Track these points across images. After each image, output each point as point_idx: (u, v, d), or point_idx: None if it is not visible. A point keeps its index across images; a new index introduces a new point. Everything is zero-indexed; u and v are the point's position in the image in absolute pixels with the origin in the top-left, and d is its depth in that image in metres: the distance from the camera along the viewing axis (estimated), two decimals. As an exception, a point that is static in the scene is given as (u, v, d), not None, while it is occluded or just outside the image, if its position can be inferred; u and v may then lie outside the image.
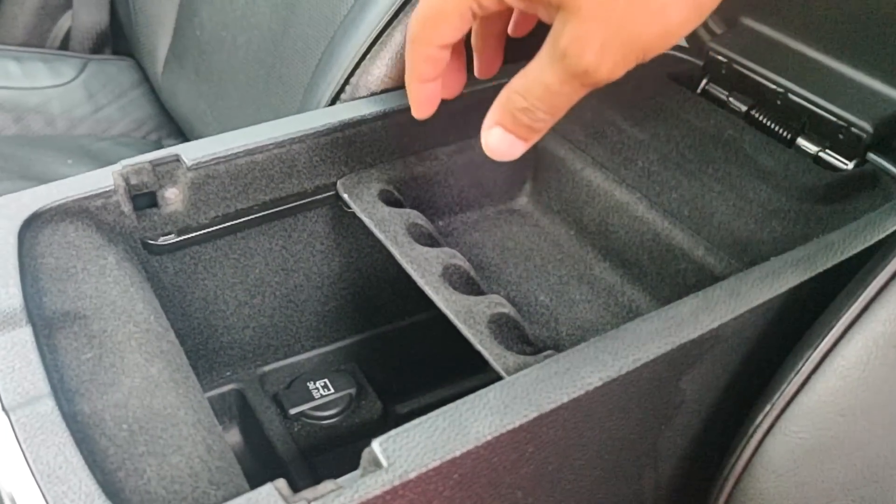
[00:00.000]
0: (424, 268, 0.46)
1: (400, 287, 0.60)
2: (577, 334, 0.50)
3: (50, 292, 0.41)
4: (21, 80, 1.01)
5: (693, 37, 0.63)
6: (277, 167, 0.50)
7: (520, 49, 0.43)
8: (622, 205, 0.53)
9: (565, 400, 0.35)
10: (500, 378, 0.37)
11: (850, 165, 0.52)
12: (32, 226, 0.44)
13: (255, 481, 0.34)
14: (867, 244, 0.43)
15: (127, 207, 0.47)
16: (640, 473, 0.43)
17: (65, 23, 1.12)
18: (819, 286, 0.42)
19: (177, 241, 0.50)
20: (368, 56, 0.58)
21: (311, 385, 0.56)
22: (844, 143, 0.52)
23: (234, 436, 0.57)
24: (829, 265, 0.42)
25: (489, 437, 0.33)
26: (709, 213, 0.49)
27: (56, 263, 0.43)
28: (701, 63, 0.61)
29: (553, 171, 0.57)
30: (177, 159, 0.48)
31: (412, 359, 0.63)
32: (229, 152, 0.49)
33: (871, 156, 0.52)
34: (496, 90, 0.56)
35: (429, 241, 0.50)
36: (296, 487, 0.32)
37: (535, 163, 0.58)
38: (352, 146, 0.52)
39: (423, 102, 0.42)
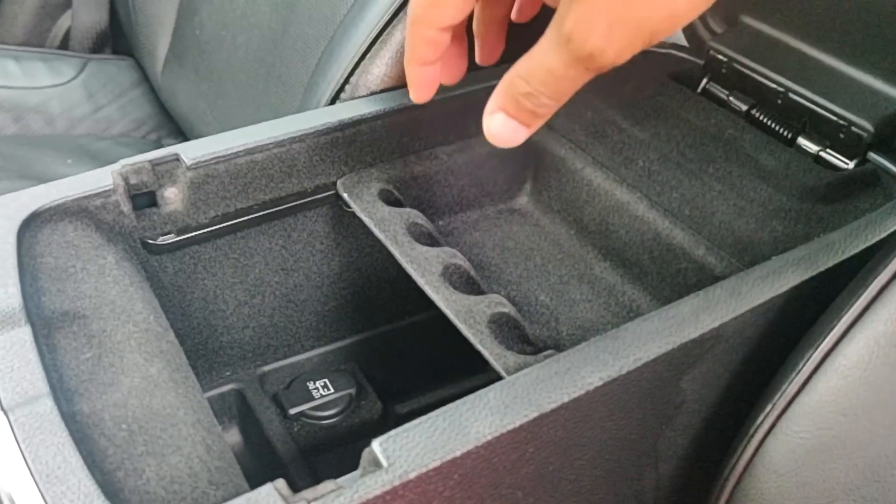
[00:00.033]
0: (424, 267, 0.46)
1: (400, 287, 0.59)
2: (578, 334, 0.50)
3: (49, 292, 0.41)
4: (21, 79, 1.01)
5: (693, 36, 0.63)
6: (277, 166, 0.50)
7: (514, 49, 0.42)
8: (623, 204, 0.53)
9: (566, 400, 0.35)
10: (500, 378, 0.37)
11: (851, 165, 0.52)
12: (32, 225, 0.44)
13: (254, 481, 0.34)
14: (868, 244, 0.43)
15: (126, 207, 0.47)
16: (641, 473, 0.43)
17: (64, 22, 1.12)
18: (820, 286, 0.42)
19: (176, 241, 0.50)
20: (368, 55, 0.58)
21: (310, 385, 0.56)
22: (845, 142, 0.52)
23: (233, 436, 0.57)
24: (829, 265, 0.42)
25: (489, 437, 0.33)
26: (709, 212, 0.49)
27: (55, 263, 0.43)
28: (701, 62, 0.61)
29: (553, 170, 0.57)
30: (176, 159, 0.48)
31: (412, 359, 0.63)
32: (229, 152, 0.48)
33: (872, 155, 0.52)
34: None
35: (429, 240, 0.50)
36: (295, 487, 0.32)
37: (536, 162, 0.58)
38: (352, 145, 0.52)
39: (421, 86, 0.42)
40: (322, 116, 0.52)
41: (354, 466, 0.33)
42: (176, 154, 0.48)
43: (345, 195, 0.51)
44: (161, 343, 0.41)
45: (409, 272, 0.46)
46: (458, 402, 0.35)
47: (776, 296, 0.40)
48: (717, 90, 0.59)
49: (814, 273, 0.41)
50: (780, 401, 0.41)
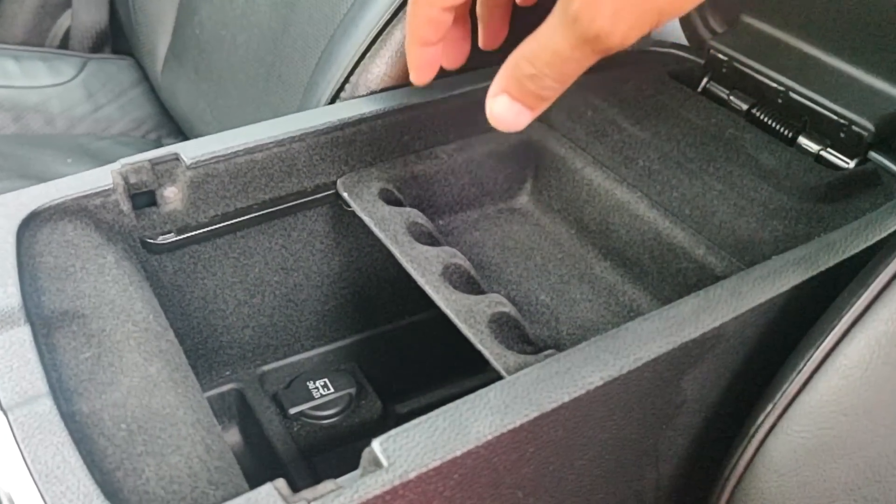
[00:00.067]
0: (425, 267, 0.46)
1: (400, 286, 0.59)
2: (578, 334, 0.50)
3: (48, 291, 0.41)
4: (20, 78, 1.01)
5: (694, 35, 0.63)
6: (277, 166, 0.50)
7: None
8: (623, 204, 0.53)
9: (566, 399, 0.35)
10: (500, 377, 0.37)
11: (852, 164, 0.52)
12: (31, 224, 0.44)
13: (254, 481, 0.33)
14: (869, 243, 0.43)
15: (126, 206, 0.47)
16: (642, 473, 0.43)
17: (64, 22, 1.12)
18: (821, 285, 0.42)
19: (176, 240, 0.49)
20: (368, 54, 0.58)
21: (310, 385, 0.56)
22: (846, 141, 0.52)
23: (233, 435, 0.57)
24: (830, 264, 0.42)
25: (490, 437, 0.33)
26: (710, 212, 0.49)
27: (55, 262, 0.43)
28: (702, 61, 0.61)
29: (554, 169, 0.57)
30: (176, 158, 0.47)
31: (412, 358, 0.63)
32: (229, 151, 0.48)
33: (873, 154, 0.52)
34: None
35: (429, 240, 0.49)
36: (295, 487, 0.32)
37: (536, 161, 0.58)
38: (352, 145, 0.52)
39: (422, 67, 0.41)
40: (322, 116, 0.52)
41: (354, 466, 0.33)
42: (176, 153, 0.48)
43: (345, 194, 0.51)
44: (160, 342, 0.41)
45: (409, 272, 0.46)
46: (459, 401, 0.34)
47: (777, 295, 0.40)
48: (718, 89, 0.59)
49: (814, 273, 0.41)
50: (781, 400, 0.41)
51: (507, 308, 0.44)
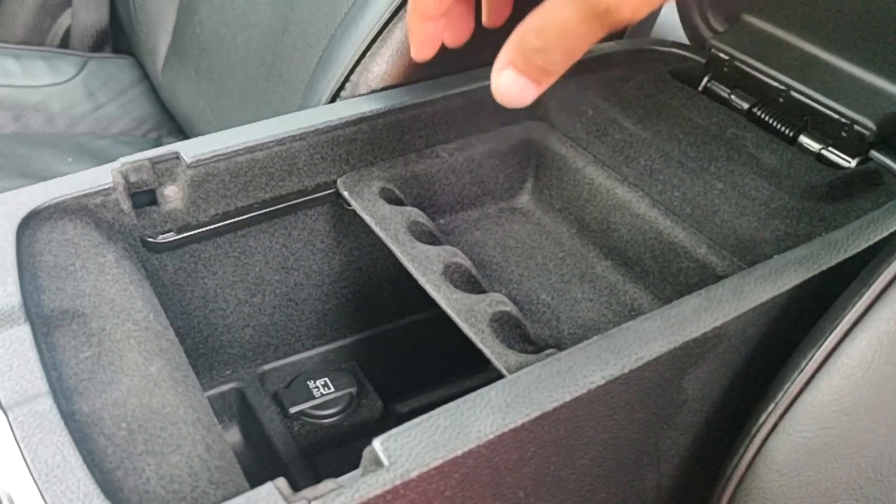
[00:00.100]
0: (425, 266, 0.46)
1: (401, 285, 0.59)
2: (579, 333, 0.50)
3: (48, 290, 0.41)
4: (21, 78, 1.00)
5: (695, 34, 0.63)
6: (278, 165, 0.50)
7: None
8: (624, 203, 0.52)
9: (567, 399, 0.35)
10: (501, 377, 0.37)
11: (853, 163, 0.52)
12: (31, 223, 0.44)
13: (255, 480, 0.33)
14: (870, 242, 0.43)
15: (126, 205, 0.47)
16: (643, 473, 0.43)
17: (65, 21, 1.12)
18: (822, 285, 0.41)
19: (176, 239, 0.49)
20: (369, 53, 0.58)
21: (311, 384, 0.56)
22: (847, 140, 0.52)
23: (233, 435, 0.57)
24: (832, 264, 0.42)
25: (491, 437, 0.33)
26: (711, 211, 0.49)
27: (55, 261, 0.43)
28: (703, 61, 0.60)
29: (554, 169, 0.57)
30: (176, 157, 0.47)
31: (413, 358, 0.63)
32: (229, 150, 0.48)
33: (874, 153, 0.51)
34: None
35: (430, 239, 0.49)
36: (296, 487, 0.32)
37: (537, 161, 0.58)
38: (352, 144, 0.52)
39: (423, 42, 0.41)
40: (323, 114, 0.52)
41: (355, 466, 0.33)
42: (176, 152, 0.47)
43: (345, 193, 0.51)
44: (161, 342, 0.41)
45: (410, 271, 0.46)
46: (460, 400, 0.34)
47: (778, 295, 0.40)
48: (719, 88, 0.59)
49: (816, 272, 0.41)
50: (783, 400, 0.40)
51: (509, 307, 0.44)
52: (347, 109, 0.52)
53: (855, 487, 0.40)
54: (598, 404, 0.37)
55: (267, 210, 0.51)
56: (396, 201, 0.52)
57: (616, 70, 0.61)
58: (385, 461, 0.32)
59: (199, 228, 0.50)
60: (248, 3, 0.77)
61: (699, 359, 0.39)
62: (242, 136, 0.49)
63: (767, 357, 0.42)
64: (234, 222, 0.51)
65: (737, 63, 0.57)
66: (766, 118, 0.56)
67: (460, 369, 0.60)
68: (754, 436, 0.42)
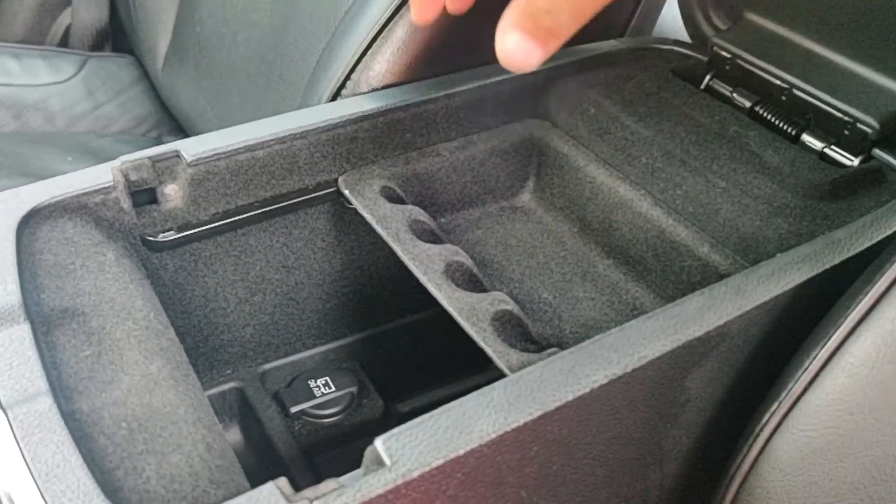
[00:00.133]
0: (427, 265, 0.46)
1: (402, 284, 0.59)
2: (581, 332, 0.50)
3: (48, 289, 0.41)
4: (20, 76, 1.00)
5: (697, 32, 0.63)
6: (278, 163, 0.50)
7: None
8: (626, 202, 0.52)
9: (570, 398, 0.35)
10: (503, 376, 0.37)
11: (856, 162, 0.52)
12: (31, 222, 0.44)
13: (255, 480, 0.33)
14: (874, 241, 0.42)
15: (126, 204, 0.47)
16: (646, 472, 0.43)
17: (64, 20, 1.12)
18: (825, 283, 0.41)
19: (177, 238, 0.49)
20: (370, 51, 0.58)
21: (312, 383, 0.56)
22: (850, 139, 0.52)
23: (234, 434, 0.57)
24: (835, 262, 0.41)
25: (493, 436, 0.33)
26: (713, 209, 0.49)
27: (54, 260, 0.42)
28: (705, 59, 0.60)
29: (556, 167, 0.57)
30: (177, 155, 0.47)
31: (414, 357, 0.62)
32: (229, 148, 0.48)
33: (877, 152, 0.51)
34: (497, 86, 0.56)
35: (431, 237, 0.49)
36: (297, 486, 0.31)
37: (538, 159, 0.58)
38: (353, 142, 0.52)
39: (424, 3, 0.40)
40: (323, 113, 0.51)
41: (356, 465, 0.33)
42: (176, 151, 0.47)
43: (346, 192, 0.51)
44: (161, 341, 0.40)
45: (411, 269, 0.46)
46: (462, 399, 0.34)
47: (781, 293, 0.40)
48: (721, 87, 0.59)
49: (819, 271, 0.41)
50: (787, 399, 0.40)
51: (510, 306, 0.44)
52: (348, 108, 0.52)
53: (859, 487, 0.40)
54: (600, 403, 0.36)
55: (267, 209, 0.51)
56: (397, 200, 0.52)
57: (618, 68, 0.61)
58: (387, 461, 0.32)
59: (199, 227, 0.50)
60: (248, 1, 0.77)
61: (702, 358, 0.39)
62: (243, 135, 0.49)
63: (771, 356, 0.42)
64: (235, 221, 0.51)
65: (739, 61, 0.57)
66: (769, 116, 0.56)
67: (462, 368, 0.60)
68: (758, 435, 0.41)
